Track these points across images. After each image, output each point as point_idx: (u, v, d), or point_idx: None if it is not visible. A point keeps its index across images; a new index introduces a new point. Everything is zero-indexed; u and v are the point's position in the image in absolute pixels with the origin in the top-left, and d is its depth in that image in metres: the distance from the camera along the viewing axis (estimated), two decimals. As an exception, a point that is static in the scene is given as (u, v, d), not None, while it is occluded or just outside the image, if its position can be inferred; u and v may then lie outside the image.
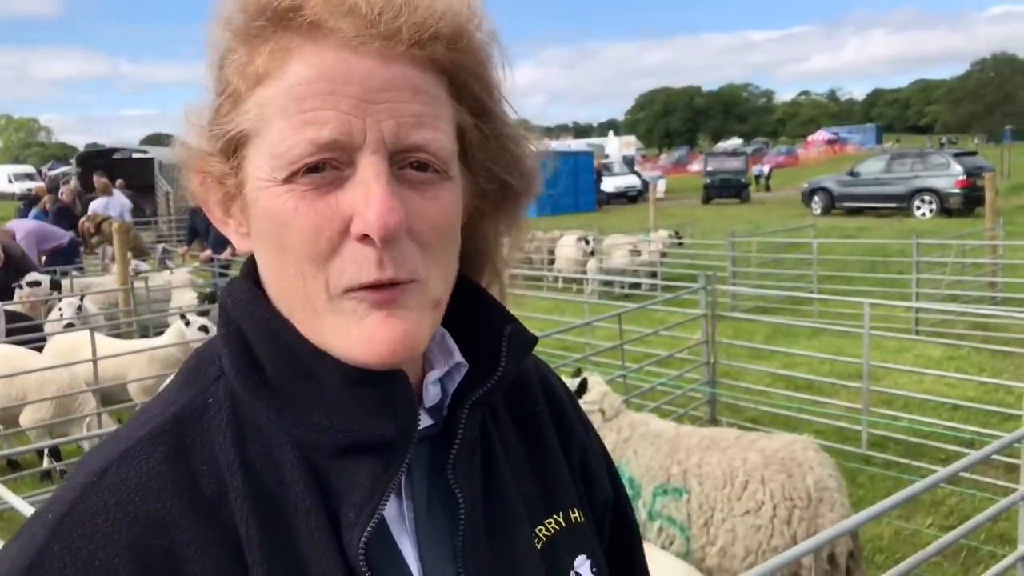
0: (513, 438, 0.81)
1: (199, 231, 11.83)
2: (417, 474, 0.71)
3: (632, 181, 33.61)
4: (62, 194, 16.22)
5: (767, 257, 12.39)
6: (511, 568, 0.72)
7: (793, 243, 13.67)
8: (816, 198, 23.54)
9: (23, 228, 11.32)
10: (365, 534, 0.63)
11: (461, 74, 0.67)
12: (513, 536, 0.74)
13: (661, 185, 31.41)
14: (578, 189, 28.81)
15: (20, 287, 8.22)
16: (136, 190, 19.62)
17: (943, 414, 5.75)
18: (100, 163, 22.63)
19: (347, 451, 0.65)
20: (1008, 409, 5.47)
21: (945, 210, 20.22)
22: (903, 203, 21.17)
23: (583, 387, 3.75)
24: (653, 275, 11.50)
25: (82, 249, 13.03)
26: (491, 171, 0.73)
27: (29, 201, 17.28)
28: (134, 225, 12.92)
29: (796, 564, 2.97)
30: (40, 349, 6.39)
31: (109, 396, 6.17)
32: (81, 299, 7.55)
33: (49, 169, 41.19)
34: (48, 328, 7.29)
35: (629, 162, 41.00)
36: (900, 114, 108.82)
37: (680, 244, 13.14)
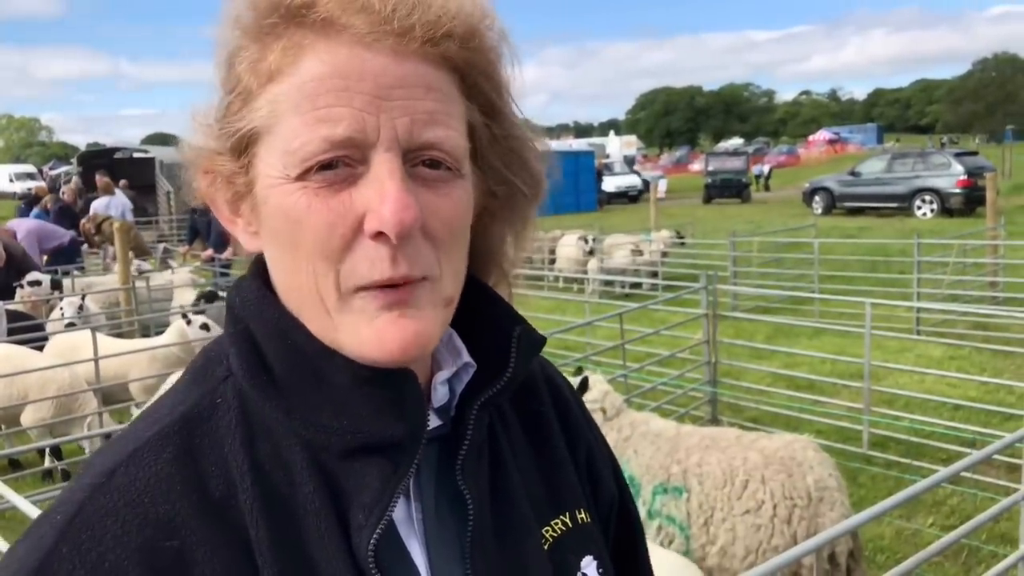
0: (520, 438, 0.80)
1: (200, 230, 11.86)
2: (425, 475, 0.71)
3: (633, 181, 33.62)
4: (63, 193, 16.23)
5: (768, 257, 12.37)
6: (519, 569, 0.72)
7: (794, 243, 13.62)
8: (817, 198, 23.53)
9: (24, 227, 11.29)
10: (375, 536, 0.63)
11: (472, 73, 0.67)
12: (521, 537, 0.74)
13: (662, 185, 31.38)
14: (579, 189, 28.77)
15: (21, 286, 8.22)
16: (137, 190, 19.61)
17: (944, 414, 5.74)
18: (101, 163, 22.70)
19: (356, 452, 0.65)
20: (1009, 409, 5.48)
21: (946, 210, 20.19)
22: (904, 203, 21.14)
23: (584, 385, 3.75)
24: (654, 275, 11.50)
25: (85, 247, 13.03)
26: (500, 171, 0.73)
27: (30, 200, 17.25)
28: (135, 225, 12.93)
29: (796, 564, 2.97)
30: (41, 348, 6.38)
31: (110, 395, 6.17)
32: (82, 298, 7.55)
33: (50, 169, 41.17)
34: (49, 327, 7.28)
35: (630, 162, 41.05)
36: (901, 114, 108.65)
37: (682, 244, 13.14)
